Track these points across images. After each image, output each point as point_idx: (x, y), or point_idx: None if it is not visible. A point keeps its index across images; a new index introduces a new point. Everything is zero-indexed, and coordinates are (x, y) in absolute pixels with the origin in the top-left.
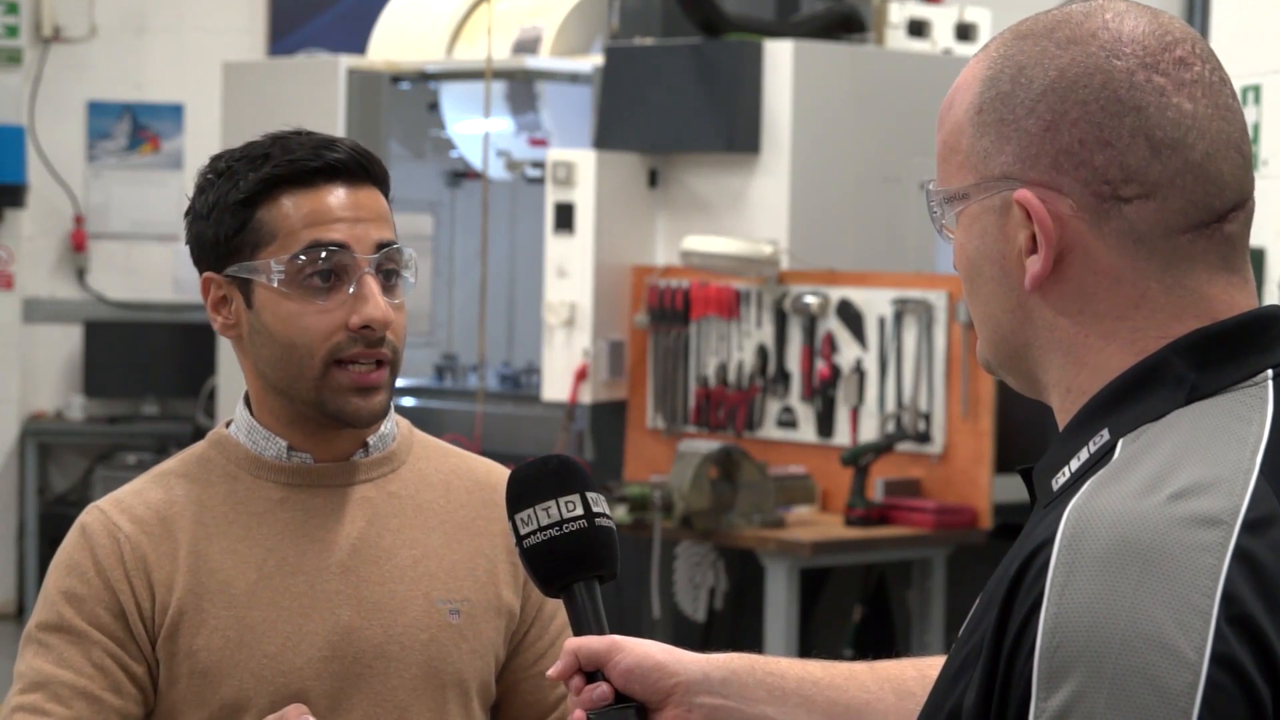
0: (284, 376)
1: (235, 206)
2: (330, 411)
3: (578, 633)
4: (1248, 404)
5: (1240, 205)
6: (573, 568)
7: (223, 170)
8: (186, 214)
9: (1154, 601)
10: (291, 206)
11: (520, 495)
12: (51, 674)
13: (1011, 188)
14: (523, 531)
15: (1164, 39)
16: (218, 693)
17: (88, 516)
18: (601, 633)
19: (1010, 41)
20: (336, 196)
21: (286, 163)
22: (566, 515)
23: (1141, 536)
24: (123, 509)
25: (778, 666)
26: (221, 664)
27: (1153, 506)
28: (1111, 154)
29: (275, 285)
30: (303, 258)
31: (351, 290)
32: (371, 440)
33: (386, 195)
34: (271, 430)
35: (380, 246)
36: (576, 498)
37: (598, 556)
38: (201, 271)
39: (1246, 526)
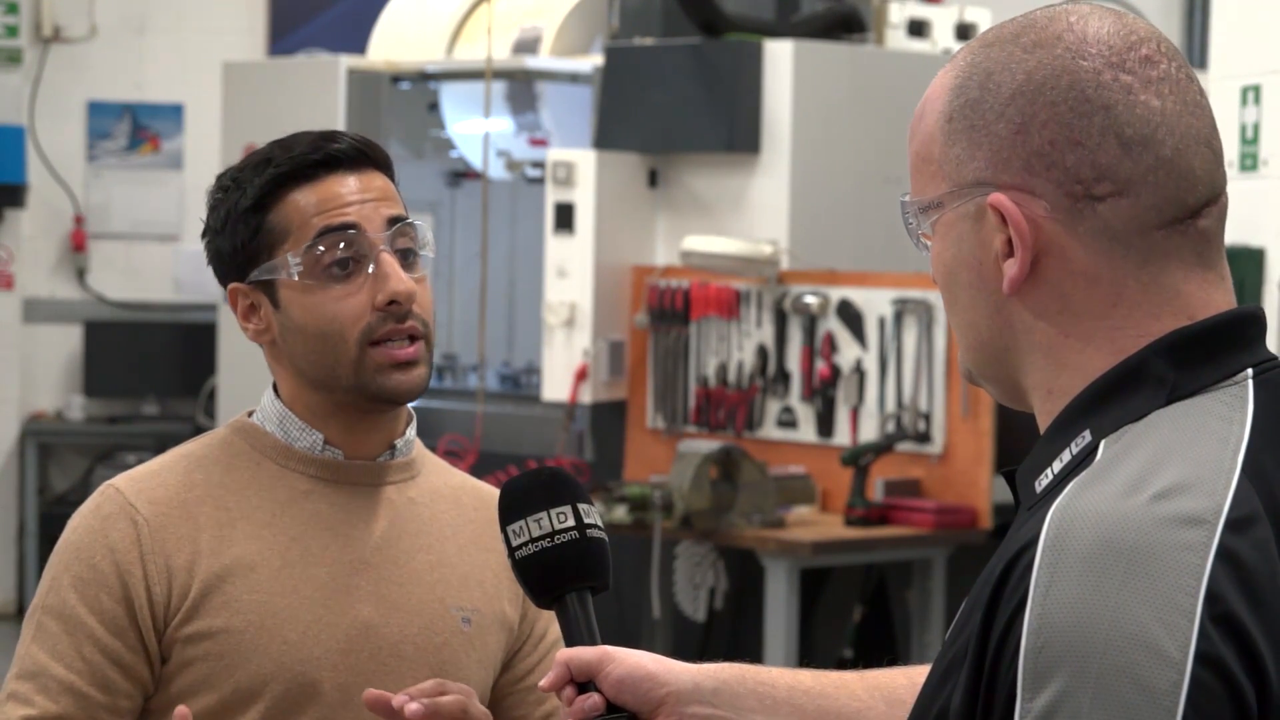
0: (322, 369)
1: (246, 213)
2: (372, 392)
3: (569, 643)
4: (1228, 403)
5: (1213, 200)
6: (564, 579)
7: (229, 184)
8: (203, 235)
9: (1138, 601)
10: (300, 200)
11: (512, 507)
12: (44, 665)
13: (985, 193)
14: (514, 543)
15: (1129, 38)
16: (232, 676)
17: (103, 496)
18: (594, 643)
19: (977, 50)
20: (342, 183)
21: (288, 160)
22: (558, 526)
23: (1125, 536)
24: (139, 490)
25: (768, 676)
26: (242, 646)
27: (1136, 507)
28: (1082, 153)
29: (295, 279)
30: (320, 248)
31: (371, 270)
32: (398, 444)
33: (393, 179)
34: (309, 423)
35: (392, 222)
36: (568, 509)
37: (589, 568)
38: (225, 285)
39: (1229, 526)
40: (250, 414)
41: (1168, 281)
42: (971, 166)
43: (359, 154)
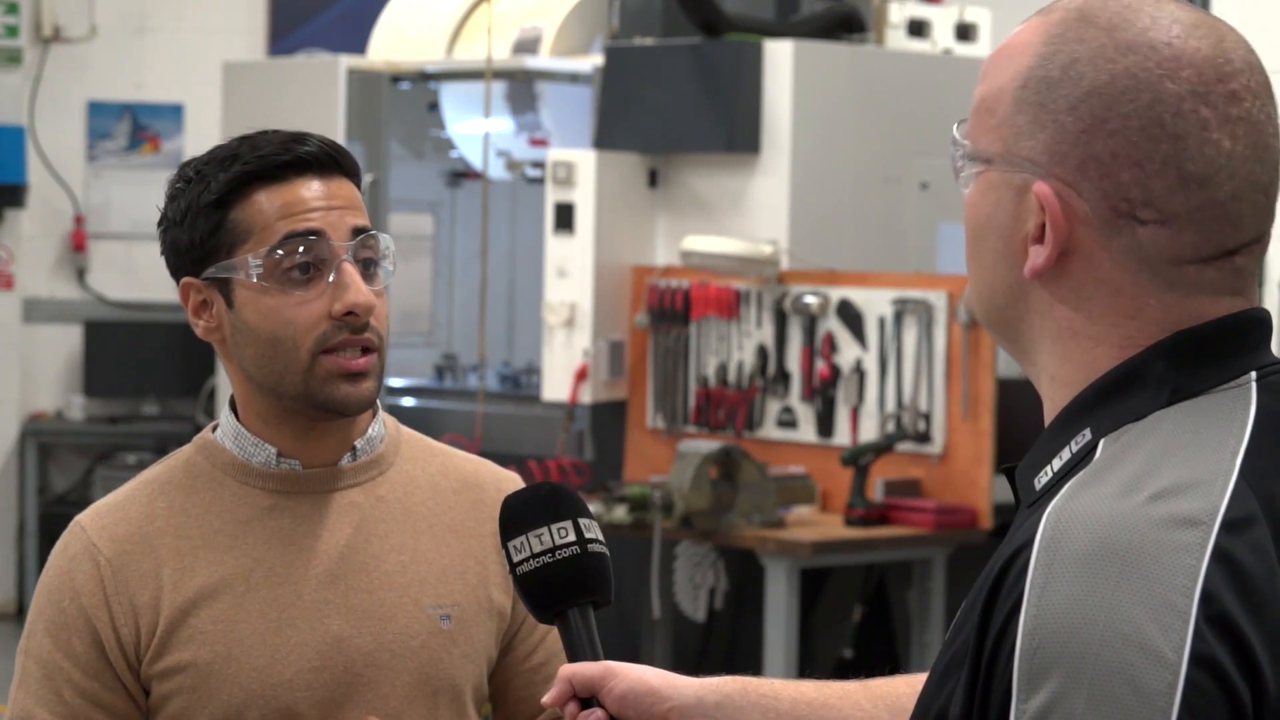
0: (270, 373)
1: (208, 208)
2: (319, 401)
3: (572, 659)
4: (1230, 406)
5: (1255, 242)
6: (566, 594)
7: (192, 176)
8: (159, 224)
9: (1133, 602)
10: (265, 201)
11: (512, 522)
12: (30, 710)
13: (1035, 174)
14: (515, 559)
15: (1223, 68)
16: (207, 708)
17: (70, 535)
18: (596, 658)
19: (1073, 23)
20: (309, 188)
21: (256, 159)
22: (559, 542)
23: (1120, 537)
24: (103, 526)
25: (771, 688)
26: (210, 679)
27: (1132, 507)
28: (1138, 174)
29: (254, 281)
30: (280, 251)
31: (331, 279)
32: (359, 444)
33: (359, 187)
34: (260, 436)
35: (356, 233)
36: (569, 524)
37: (591, 583)
38: (178, 279)
39: (1225, 527)
40: (215, 428)
41: (1192, 305)
42: (1030, 144)
43: (328, 159)
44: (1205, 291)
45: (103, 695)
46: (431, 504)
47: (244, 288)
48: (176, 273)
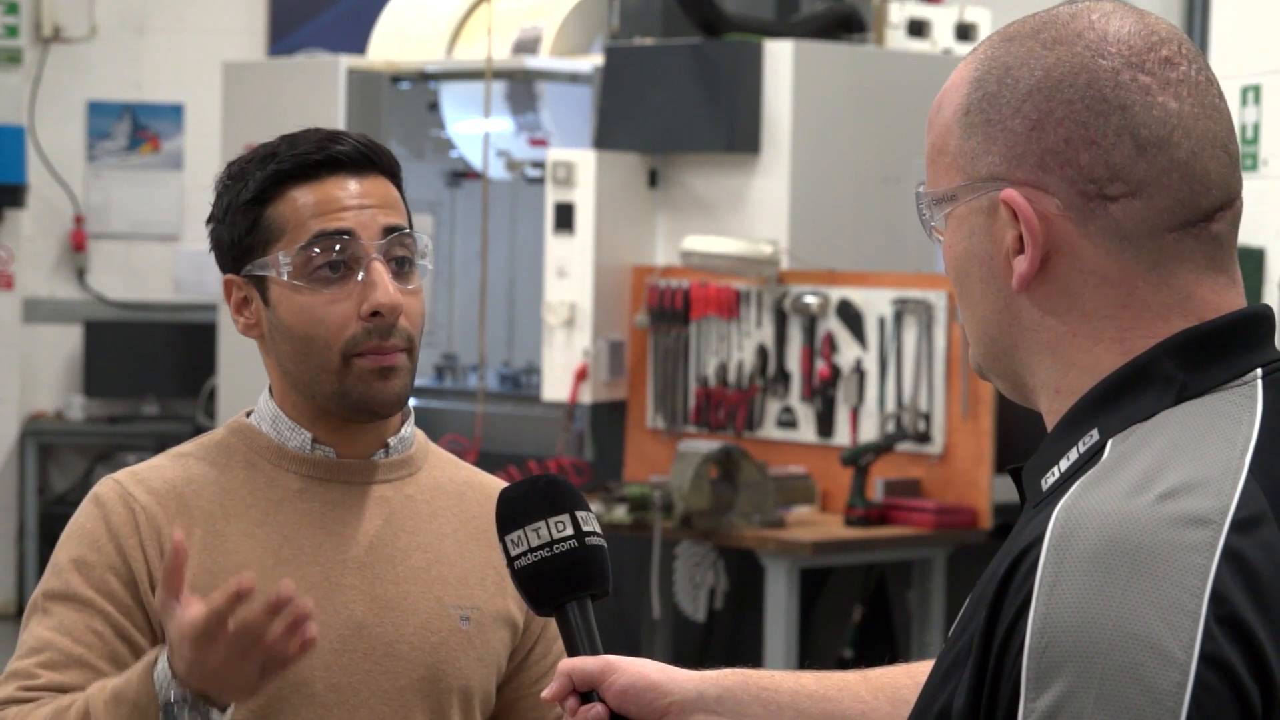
0: (305, 371)
1: (245, 206)
2: (353, 401)
3: (571, 653)
4: (1237, 403)
5: (1227, 205)
6: (564, 588)
7: (235, 174)
8: (208, 221)
9: (1142, 601)
10: (299, 200)
11: (509, 516)
12: (50, 639)
13: (998, 188)
14: (513, 553)
15: (1150, 39)
16: None
17: (102, 487)
18: (595, 652)
19: (998, 43)
20: (342, 187)
21: (291, 158)
22: (556, 536)
23: (1130, 536)
24: (138, 480)
25: (771, 680)
26: None
27: (1141, 506)
28: (1097, 153)
29: (285, 278)
30: (315, 249)
31: (361, 278)
32: (392, 441)
33: (398, 185)
34: (297, 422)
35: (388, 232)
36: (566, 518)
37: (589, 576)
38: (224, 275)
39: (1235, 526)
40: (249, 414)
41: (1178, 284)
42: (986, 161)
43: (363, 157)
44: (1187, 265)
45: (133, 633)
46: (457, 510)
47: (278, 285)
48: (222, 269)
